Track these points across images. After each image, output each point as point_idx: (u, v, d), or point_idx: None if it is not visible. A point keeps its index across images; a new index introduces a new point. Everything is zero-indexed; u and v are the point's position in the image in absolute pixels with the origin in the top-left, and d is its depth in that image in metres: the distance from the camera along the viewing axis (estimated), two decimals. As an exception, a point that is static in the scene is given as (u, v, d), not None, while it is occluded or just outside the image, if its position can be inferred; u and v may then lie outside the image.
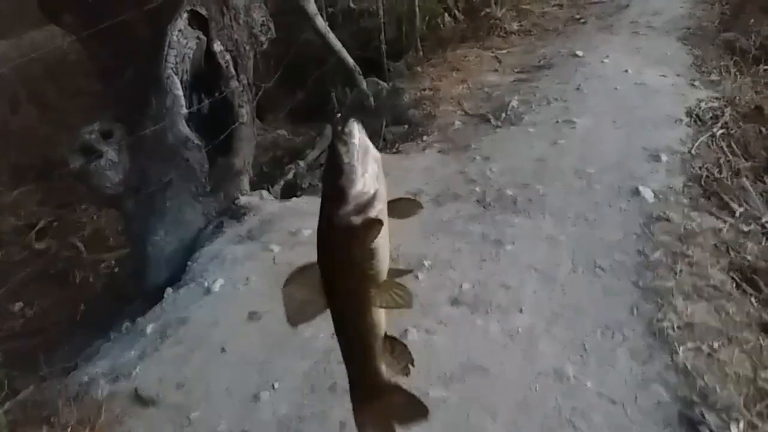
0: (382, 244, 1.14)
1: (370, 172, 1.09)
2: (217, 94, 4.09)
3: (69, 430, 2.29)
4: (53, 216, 4.84)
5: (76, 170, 3.73)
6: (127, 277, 4.07)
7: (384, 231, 1.12)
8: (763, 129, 4.11)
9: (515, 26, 7.52)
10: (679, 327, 2.57)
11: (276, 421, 2.35)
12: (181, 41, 3.92)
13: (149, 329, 2.91)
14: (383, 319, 1.26)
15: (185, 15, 3.93)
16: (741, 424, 2.14)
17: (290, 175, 4.79)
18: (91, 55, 4.47)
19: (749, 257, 2.96)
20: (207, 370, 2.61)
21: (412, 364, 1.36)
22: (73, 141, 3.91)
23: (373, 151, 1.10)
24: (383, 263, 1.16)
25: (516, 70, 6.04)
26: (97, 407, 2.43)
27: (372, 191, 1.09)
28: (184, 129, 3.86)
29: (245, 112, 4.20)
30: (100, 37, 3.65)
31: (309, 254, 3.45)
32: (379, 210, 1.10)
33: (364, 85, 6.21)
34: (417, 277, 3.10)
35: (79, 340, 3.32)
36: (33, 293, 3.95)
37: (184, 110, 3.89)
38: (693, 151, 3.87)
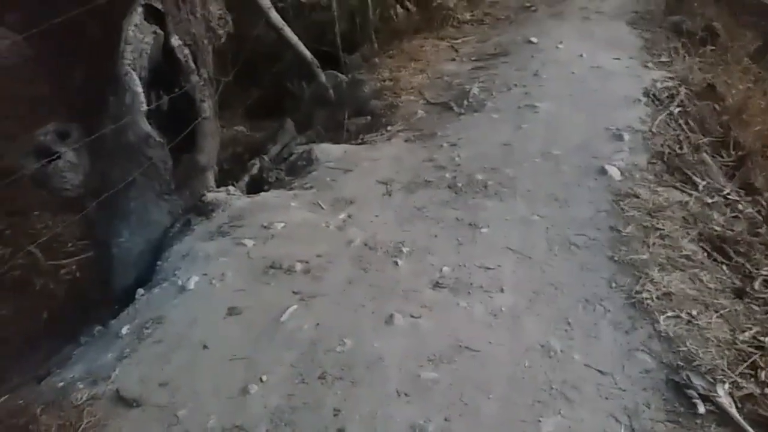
0: None
1: None
2: (177, 90, 3.97)
3: (51, 436, 2.19)
4: (4, 224, 4.62)
5: (32, 174, 3.57)
6: (92, 282, 3.92)
7: None
8: (717, 106, 4.27)
9: (468, 16, 7.57)
10: (657, 297, 2.64)
11: (267, 413, 2.30)
12: (138, 36, 3.78)
13: (124, 330, 2.80)
14: None
15: (140, 9, 3.80)
16: (726, 385, 2.21)
17: (254, 170, 4.69)
18: (40, 55, 4.29)
19: (717, 228, 3.07)
20: (190, 368, 2.53)
21: None
22: (26, 143, 3.74)
23: None
24: None
25: (473, 59, 6.07)
26: (77, 412, 2.32)
27: None
28: (146, 126, 3.72)
29: (207, 107, 4.09)
30: (49, 35, 3.47)
31: (284, 247, 3.39)
32: None
33: (323, 78, 6.14)
34: (397, 264, 3.09)
35: (46, 347, 3.17)
36: (-11, 303, 3.76)
37: (144, 107, 3.76)
38: (653, 129, 3.98)
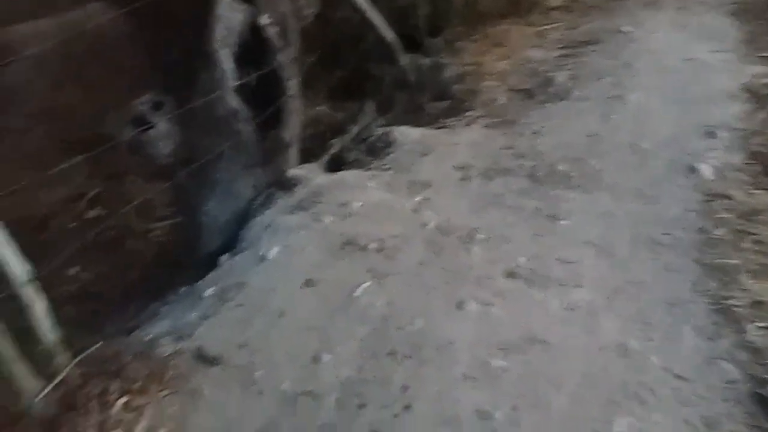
0: None
1: None
2: (265, 67, 4.08)
3: (139, 383, 2.35)
4: (102, 187, 4.92)
5: (128, 140, 3.78)
6: (179, 246, 4.13)
7: None
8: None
9: (556, 2, 7.36)
10: (747, 305, 2.51)
11: (338, 382, 2.38)
12: (228, 14, 3.91)
13: (208, 293, 2.96)
14: None
15: (232, -13, 3.91)
16: (819, 404, 2.09)
17: (335, 150, 4.77)
18: (137, 30, 4.50)
19: (817, 237, 2.88)
20: (268, 333, 2.65)
21: None
22: (125, 113, 3.96)
23: None
24: None
25: (560, 46, 5.89)
26: (163, 363, 2.49)
27: None
28: (235, 102, 3.86)
29: (293, 86, 4.19)
30: (146, 11, 3.63)
31: (360, 225, 3.47)
32: None
33: (404, 61, 6.14)
34: (470, 250, 3.08)
35: (136, 303, 3.38)
36: (86, 259, 4.02)
37: (233, 83, 3.89)
38: (752, 128, 3.76)
